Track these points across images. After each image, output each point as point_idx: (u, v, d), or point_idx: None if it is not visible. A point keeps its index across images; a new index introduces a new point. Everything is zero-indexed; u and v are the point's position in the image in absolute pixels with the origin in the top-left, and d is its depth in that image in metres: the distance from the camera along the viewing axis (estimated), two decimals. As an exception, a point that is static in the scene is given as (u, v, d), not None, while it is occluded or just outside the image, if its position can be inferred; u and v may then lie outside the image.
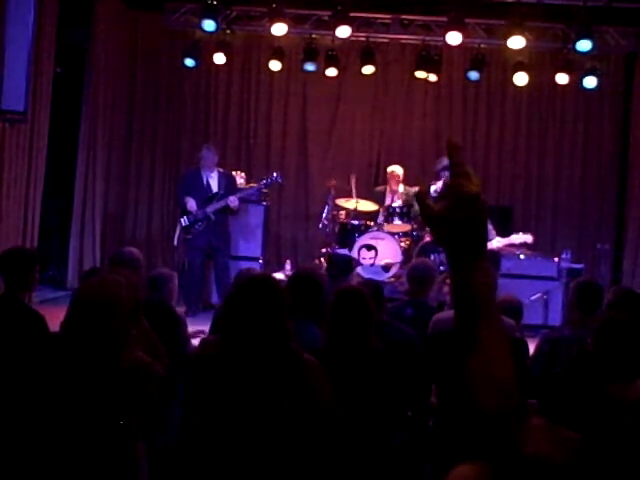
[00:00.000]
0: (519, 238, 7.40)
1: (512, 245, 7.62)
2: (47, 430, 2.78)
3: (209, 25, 8.48)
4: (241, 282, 2.80)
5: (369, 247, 8.29)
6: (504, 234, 7.81)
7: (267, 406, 2.51)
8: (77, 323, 2.98)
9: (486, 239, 1.28)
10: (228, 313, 2.72)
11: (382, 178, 9.78)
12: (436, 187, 7.77)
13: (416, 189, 8.12)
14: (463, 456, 1.18)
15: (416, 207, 7.57)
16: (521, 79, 9.15)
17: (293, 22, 8.89)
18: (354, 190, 8.82)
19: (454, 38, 8.32)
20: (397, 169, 8.86)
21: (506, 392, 1.18)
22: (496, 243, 7.32)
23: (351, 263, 6.46)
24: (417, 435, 3.92)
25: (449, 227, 1.26)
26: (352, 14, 8.64)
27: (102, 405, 2.78)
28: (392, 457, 3.40)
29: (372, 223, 8.62)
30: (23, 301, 4.12)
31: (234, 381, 2.55)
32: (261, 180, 8.68)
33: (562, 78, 9.12)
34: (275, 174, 8.59)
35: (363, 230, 8.49)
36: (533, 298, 7.89)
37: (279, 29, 8.57)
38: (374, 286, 4.46)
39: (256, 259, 8.87)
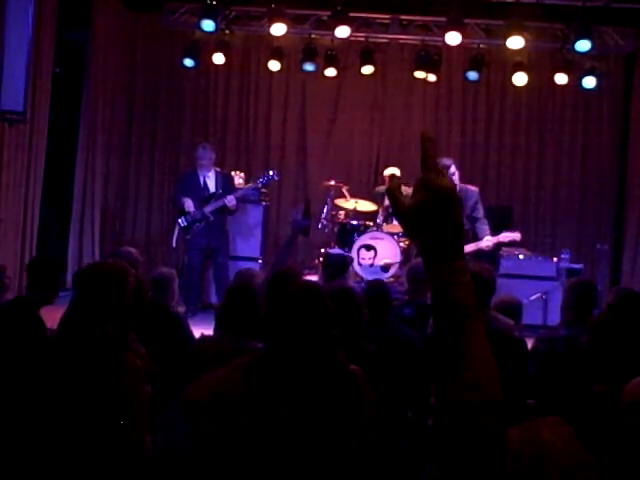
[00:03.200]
0: (508, 236, 7.44)
1: (501, 243, 7.65)
2: (46, 430, 2.77)
3: (208, 25, 8.49)
4: (288, 291, 2.64)
5: (368, 247, 8.30)
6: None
7: (309, 421, 2.41)
8: (82, 300, 2.85)
9: (461, 237, 1.23)
10: (275, 322, 2.57)
11: (381, 178, 9.78)
12: None
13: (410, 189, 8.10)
14: (461, 457, 1.18)
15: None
16: (520, 79, 9.14)
17: (292, 22, 8.89)
18: (348, 197, 8.85)
19: (453, 38, 8.32)
20: (391, 171, 8.83)
21: (490, 392, 1.18)
22: (485, 242, 7.35)
23: (346, 261, 6.44)
24: (417, 436, 3.91)
25: (420, 222, 1.22)
26: (351, 14, 8.64)
27: (103, 405, 2.77)
28: (392, 458, 3.39)
29: (371, 223, 8.61)
30: (35, 309, 4.13)
31: (281, 392, 2.45)
32: (258, 179, 8.66)
33: (561, 78, 9.12)
34: (271, 172, 8.54)
35: (362, 230, 8.49)
36: (532, 298, 7.90)
37: (278, 29, 8.57)
38: (380, 286, 4.43)
39: (255, 259, 8.86)
